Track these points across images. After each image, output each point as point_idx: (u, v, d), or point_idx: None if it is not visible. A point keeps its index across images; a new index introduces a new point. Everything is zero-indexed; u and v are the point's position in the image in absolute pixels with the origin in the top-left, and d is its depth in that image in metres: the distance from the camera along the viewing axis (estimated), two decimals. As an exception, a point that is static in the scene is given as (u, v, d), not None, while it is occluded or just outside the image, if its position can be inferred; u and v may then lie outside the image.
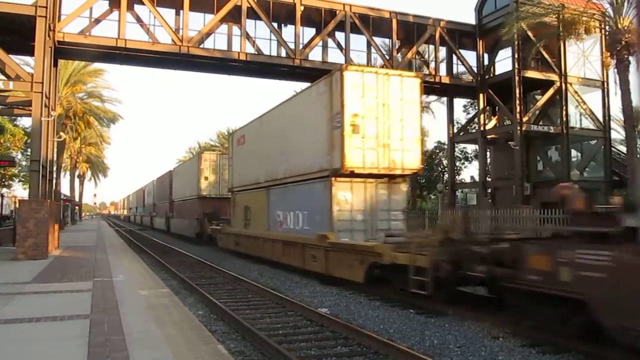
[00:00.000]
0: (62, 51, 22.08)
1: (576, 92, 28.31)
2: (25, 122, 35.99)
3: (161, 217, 49.19)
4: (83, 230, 44.18)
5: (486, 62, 29.72)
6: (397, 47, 27.39)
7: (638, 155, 23.95)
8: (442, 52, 28.63)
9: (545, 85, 27.95)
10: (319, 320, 9.73)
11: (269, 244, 19.10)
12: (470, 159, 42.98)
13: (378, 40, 27.56)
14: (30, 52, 19.52)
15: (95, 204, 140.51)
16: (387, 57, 27.46)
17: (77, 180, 73.48)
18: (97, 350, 5.83)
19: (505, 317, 8.99)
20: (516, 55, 26.70)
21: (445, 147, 37.82)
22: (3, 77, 19.80)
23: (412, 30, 26.28)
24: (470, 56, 29.30)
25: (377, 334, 8.45)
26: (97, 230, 43.91)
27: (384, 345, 7.76)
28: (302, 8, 24.08)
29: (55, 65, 22.53)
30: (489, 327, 8.90)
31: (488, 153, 33.00)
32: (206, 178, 32.98)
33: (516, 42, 26.35)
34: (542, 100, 28.26)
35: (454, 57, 29.00)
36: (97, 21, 22.46)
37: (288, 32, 25.38)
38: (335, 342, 8.34)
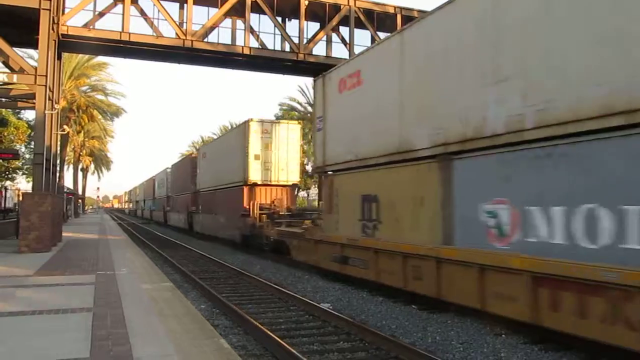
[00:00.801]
0: (66, 44, 22.03)
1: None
2: (29, 115, 36.05)
3: (179, 213, 41.78)
4: (86, 223, 44.27)
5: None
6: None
7: None
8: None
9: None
10: (322, 315, 9.74)
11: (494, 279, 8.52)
12: None
13: (382, 35, 27.46)
14: (34, 45, 19.48)
15: (98, 197, 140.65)
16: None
17: (80, 174, 73.56)
18: (99, 343, 5.84)
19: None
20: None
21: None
22: (7, 70, 19.78)
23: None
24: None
25: (379, 330, 8.45)
26: (100, 223, 44.00)
27: (387, 341, 7.75)
28: (306, 2, 23.97)
29: (59, 58, 22.50)
30: (492, 324, 8.88)
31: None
32: (257, 157, 24.80)
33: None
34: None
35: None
36: (101, 14, 22.39)
37: (292, 26, 25.30)
38: (337, 337, 8.34)
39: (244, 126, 25.18)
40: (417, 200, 10.47)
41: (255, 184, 24.44)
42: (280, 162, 24.92)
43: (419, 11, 25.41)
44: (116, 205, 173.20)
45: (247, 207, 23.42)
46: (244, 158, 24.65)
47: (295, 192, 30.07)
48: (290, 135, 25.33)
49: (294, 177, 25.60)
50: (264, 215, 22.05)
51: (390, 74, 11.66)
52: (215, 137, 74.63)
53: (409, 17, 24.61)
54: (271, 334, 7.97)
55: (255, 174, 24.43)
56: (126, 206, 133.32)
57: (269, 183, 24.72)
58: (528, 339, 8.07)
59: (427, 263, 9.85)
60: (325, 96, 15.01)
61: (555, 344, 7.74)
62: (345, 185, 13.75)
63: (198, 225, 34.28)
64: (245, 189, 24.50)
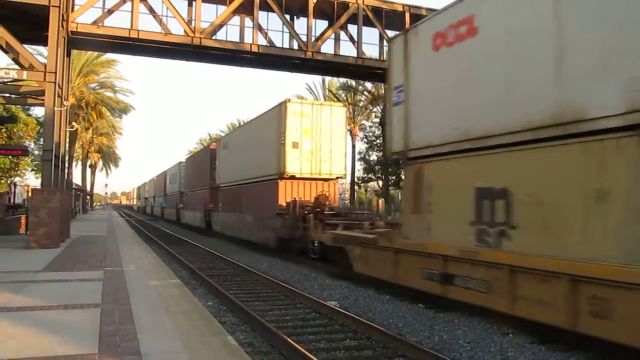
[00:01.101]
0: (75, 41, 22.13)
1: None
2: (38, 111, 36.31)
3: (194, 210, 38.62)
4: (94, 220, 44.50)
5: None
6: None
7: None
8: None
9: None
10: (328, 313, 9.74)
11: None
12: None
13: (390, 33, 27.39)
14: (43, 42, 19.59)
15: (106, 194, 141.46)
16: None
17: (88, 170, 73.97)
18: (108, 339, 5.87)
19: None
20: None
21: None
22: (17, 67, 19.91)
23: (425, 24, 26.10)
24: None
25: (386, 328, 8.45)
26: (108, 220, 44.21)
27: (393, 339, 7.76)
28: (314, 0, 23.95)
29: (69, 55, 22.61)
30: (499, 323, 8.86)
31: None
32: (295, 145, 21.07)
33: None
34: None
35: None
36: (110, 12, 22.47)
37: (300, 24, 25.28)
38: (344, 335, 8.35)
39: (280, 108, 21.43)
40: (592, 195, 7.09)
41: (293, 177, 21.15)
42: (322, 151, 21.40)
43: (428, 9, 25.34)
44: (124, 202, 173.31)
45: (285, 204, 20.21)
46: (280, 146, 21.10)
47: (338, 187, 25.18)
48: (334, 119, 21.66)
49: (339, 169, 22.02)
50: (308, 215, 18.11)
51: (538, 4, 8.19)
52: (223, 134, 73.66)
53: (418, 15, 24.55)
54: (278, 331, 7.99)
55: (293, 166, 20.94)
56: (135, 203, 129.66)
57: (310, 176, 21.37)
58: (535, 338, 8.04)
59: (624, 295, 6.45)
60: (408, 59, 11.38)
61: (563, 343, 7.71)
62: (444, 175, 10.12)
63: (217, 224, 30.76)
64: (281, 183, 21.10)
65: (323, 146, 21.37)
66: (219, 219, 30.68)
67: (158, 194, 63.15)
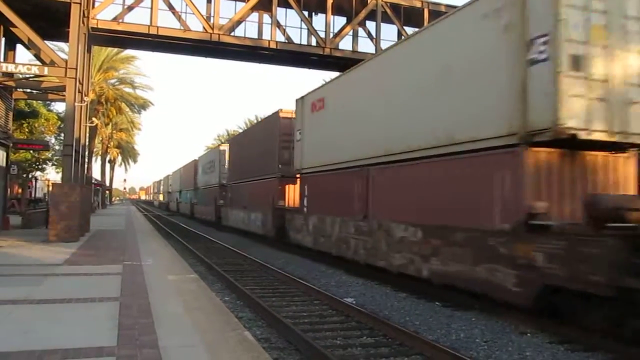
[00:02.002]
0: (96, 38, 22.37)
1: None
2: (59, 107, 36.72)
3: (249, 210, 26.36)
4: (113, 214, 44.95)
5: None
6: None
7: None
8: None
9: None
10: (345, 310, 9.74)
11: None
12: None
13: (409, 29, 27.25)
14: (64, 38, 19.83)
15: (125, 189, 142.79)
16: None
17: (107, 165, 74.79)
18: (126, 332, 5.93)
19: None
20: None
21: None
22: (38, 63, 20.17)
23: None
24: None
25: (402, 326, 8.42)
26: (126, 215, 44.63)
27: (410, 337, 7.72)
28: (333, -4, 23.94)
29: (89, 51, 22.86)
30: (516, 323, 8.78)
31: None
32: None
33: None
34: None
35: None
36: (130, 8, 22.66)
37: (318, 20, 25.28)
38: (360, 332, 8.34)
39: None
40: None
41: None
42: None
43: (447, 6, 25.16)
44: (143, 197, 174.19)
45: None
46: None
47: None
48: None
49: None
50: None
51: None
52: (240, 130, 70.46)
53: (437, 12, 24.40)
54: (294, 327, 8.00)
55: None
56: (155, 198, 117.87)
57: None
58: (554, 338, 7.96)
59: None
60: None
61: (582, 344, 7.63)
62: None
63: (306, 236, 18.51)
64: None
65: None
66: (310, 229, 18.20)
67: (186, 187, 54.03)
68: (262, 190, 24.42)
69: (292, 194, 22.04)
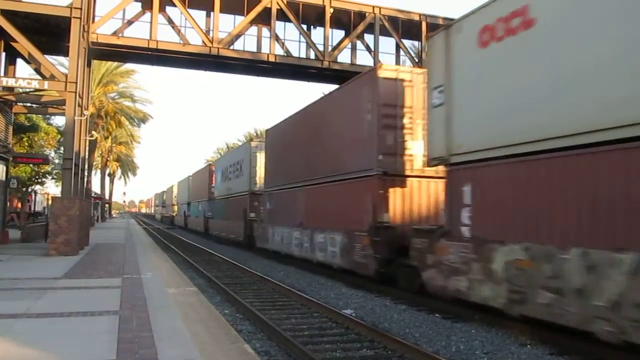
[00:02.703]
0: (96, 52, 22.50)
1: None
2: (59, 120, 36.85)
3: (315, 232, 17.51)
4: (113, 228, 44.90)
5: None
6: (426, 49, 27.22)
7: None
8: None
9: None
10: (344, 322, 9.72)
11: None
12: None
13: (407, 42, 27.45)
14: (64, 52, 19.95)
15: (124, 202, 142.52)
16: (416, 60, 27.39)
17: (107, 179, 74.82)
18: (126, 346, 5.92)
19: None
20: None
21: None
22: (38, 77, 20.29)
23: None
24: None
25: (402, 338, 8.41)
26: (126, 228, 44.58)
27: (410, 349, 7.71)
28: (331, 10, 24.10)
29: (89, 65, 22.97)
30: (517, 334, 8.77)
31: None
32: None
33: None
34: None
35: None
36: (130, 22, 22.83)
37: (317, 34, 25.46)
38: (360, 344, 8.32)
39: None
40: None
41: None
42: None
43: (444, 18, 25.35)
44: (143, 210, 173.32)
45: None
46: None
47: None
48: None
49: None
50: None
51: None
52: (240, 143, 66.78)
53: (434, 24, 24.58)
54: (294, 340, 7.99)
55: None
56: (156, 211, 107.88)
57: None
58: (555, 349, 7.94)
59: None
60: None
61: (582, 354, 7.61)
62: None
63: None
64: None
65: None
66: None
67: (197, 198, 45.43)
68: (342, 197, 16.02)
69: (402, 202, 14.11)
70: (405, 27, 25.44)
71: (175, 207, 68.39)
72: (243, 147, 31.78)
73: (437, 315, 10.56)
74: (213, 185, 39.68)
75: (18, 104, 22.54)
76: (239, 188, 30.24)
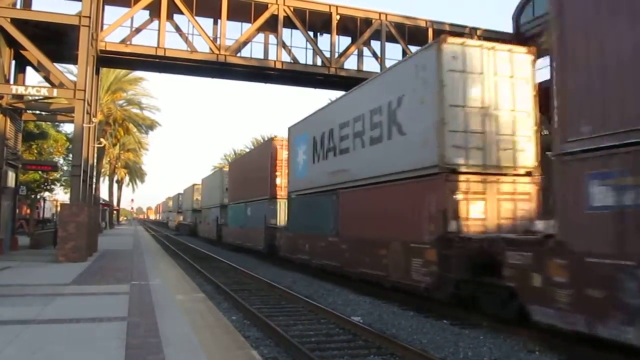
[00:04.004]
0: (104, 59, 22.66)
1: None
2: (68, 128, 37.09)
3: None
4: (121, 234, 45.04)
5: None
6: None
7: None
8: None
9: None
10: (352, 328, 9.71)
11: None
12: None
13: (414, 49, 27.46)
14: (73, 60, 20.10)
15: (132, 208, 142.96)
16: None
17: (115, 186, 75.13)
18: (134, 352, 5.94)
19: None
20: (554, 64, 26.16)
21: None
22: (48, 85, 20.46)
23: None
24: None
25: (410, 344, 8.39)
26: (134, 235, 44.72)
27: (418, 355, 7.69)
28: (338, 17, 24.18)
29: (97, 73, 23.14)
30: (525, 341, 8.73)
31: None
32: None
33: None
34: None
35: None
36: (138, 30, 22.99)
37: (324, 41, 25.55)
38: (367, 351, 8.31)
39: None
40: None
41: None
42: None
43: (451, 24, 25.40)
44: (152, 217, 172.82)
45: None
46: None
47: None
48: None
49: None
50: None
51: None
52: (247, 150, 64.75)
53: (440, 30, 24.61)
54: (301, 346, 7.99)
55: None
56: (169, 218, 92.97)
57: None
58: (563, 356, 7.90)
59: None
60: None
61: (592, 362, 7.52)
62: None
63: None
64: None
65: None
66: None
67: (240, 197, 32.43)
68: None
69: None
70: (411, 34, 25.46)
71: (193, 214, 56.11)
72: (304, 124, 21.45)
73: (445, 321, 10.53)
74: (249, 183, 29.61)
75: (27, 111, 22.74)
76: (302, 184, 20.73)
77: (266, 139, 60.80)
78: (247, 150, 64.88)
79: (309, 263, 19.04)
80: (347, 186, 16.10)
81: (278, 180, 25.67)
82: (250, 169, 29.97)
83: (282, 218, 24.58)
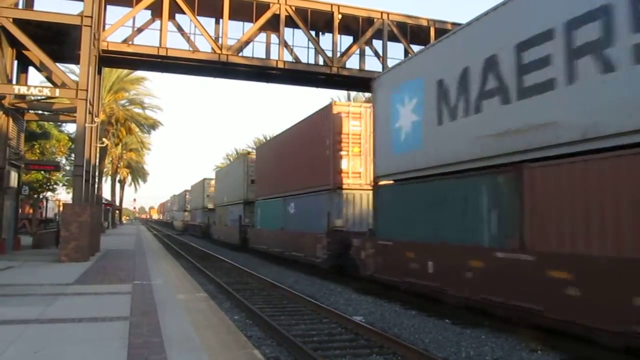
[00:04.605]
0: (106, 59, 22.66)
1: None
2: (70, 128, 37.12)
3: None
4: (123, 234, 45.09)
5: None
6: None
7: None
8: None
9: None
10: (354, 328, 9.71)
11: None
12: None
13: (415, 48, 27.44)
14: (75, 60, 20.10)
15: (134, 208, 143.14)
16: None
17: (117, 185, 75.22)
18: (136, 351, 5.95)
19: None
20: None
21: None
22: (50, 85, 20.48)
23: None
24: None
25: (412, 344, 8.39)
26: (136, 234, 44.76)
27: (420, 355, 7.68)
28: (339, 16, 24.14)
29: (99, 73, 23.14)
30: (527, 340, 8.72)
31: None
32: None
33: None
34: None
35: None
36: (140, 30, 22.98)
37: (326, 40, 25.49)
38: (369, 350, 8.31)
39: None
40: None
41: None
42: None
43: (453, 24, 25.35)
44: (155, 217, 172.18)
45: None
46: None
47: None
48: None
49: None
50: None
51: None
52: (249, 150, 62.34)
53: (443, 29, 24.57)
54: (303, 346, 7.99)
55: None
56: (174, 217, 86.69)
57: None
58: (565, 355, 7.90)
59: None
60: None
61: (595, 361, 7.35)
62: None
63: None
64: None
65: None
66: None
67: (256, 195, 29.45)
68: None
69: None
70: (413, 33, 25.42)
71: (207, 213, 48.96)
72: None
73: (447, 321, 10.53)
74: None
75: (30, 111, 22.77)
76: (406, 164, 13.68)
77: (267, 138, 59.68)
78: (250, 150, 61.29)
79: (442, 298, 11.17)
80: (552, 155, 8.79)
81: (344, 163, 18.44)
82: (293, 152, 23.16)
83: (350, 217, 18.42)
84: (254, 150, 36.46)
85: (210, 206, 47.78)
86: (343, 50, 25.18)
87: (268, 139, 49.00)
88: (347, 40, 25.93)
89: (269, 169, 27.14)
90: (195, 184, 58.59)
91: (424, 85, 12.56)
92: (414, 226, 12.54)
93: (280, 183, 24.52)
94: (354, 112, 18.71)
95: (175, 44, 23.19)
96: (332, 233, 17.51)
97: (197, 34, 23.12)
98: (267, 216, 26.54)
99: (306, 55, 24.84)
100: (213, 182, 48.80)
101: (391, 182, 14.36)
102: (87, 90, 18.12)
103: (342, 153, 18.49)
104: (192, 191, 62.82)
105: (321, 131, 19.69)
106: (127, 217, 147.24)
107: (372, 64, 25.97)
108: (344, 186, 18.36)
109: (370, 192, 16.19)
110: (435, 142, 12.01)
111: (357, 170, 18.33)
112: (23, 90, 18.92)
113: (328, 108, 19.44)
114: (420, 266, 11.76)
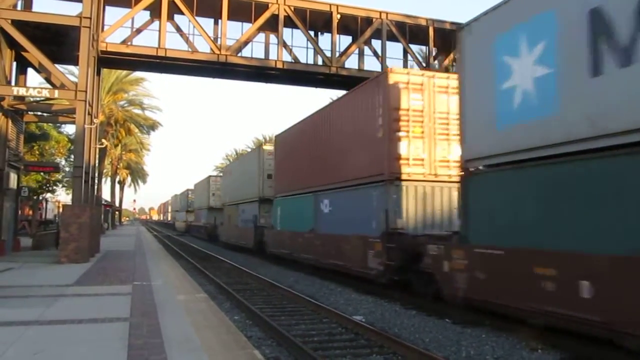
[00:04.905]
0: (105, 60, 22.67)
1: None
2: (69, 129, 37.14)
3: None
4: (123, 235, 45.08)
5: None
6: (434, 54, 27.21)
7: None
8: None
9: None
10: (354, 328, 9.71)
11: None
12: None
13: (415, 47, 27.46)
14: (74, 61, 20.10)
15: (134, 209, 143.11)
16: (424, 65, 27.37)
17: (117, 186, 75.19)
18: (136, 352, 5.95)
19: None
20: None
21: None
22: (49, 86, 20.48)
23: (449, 38, 26.09)
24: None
25: (412, 343, 8.38)
26: (136, 235, 44.74)
27: (420, 354, 7.68)
28: (338, 16, 24.15)
29: (99, 74, 23.14)
30: (527, 339, 8.72)
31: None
32: None
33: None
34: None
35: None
36: (139, 31, 22.98)
37: (324, 40, 25.50)
38: (370, 350, 8.30)
39: None
40: None
41: None
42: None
43: (452, 23, 25.36)
44: (155, 217, 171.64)
45: None
46: None
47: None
48: None
49: None
50: None
51: None
52: (249, 150, 61.70)
53: (441, 29, 24.60)
54: (303, 346, 7.99)
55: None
56: (175, 218, 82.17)
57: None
58: (566, 354, 7.89)
59: None
60: None
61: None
62: None
63: None
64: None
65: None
66: None
67: (275, 192, 25.54)
68: None
69: None
70: (412, 32, 25.43)
71: (217, 214, 43.02)
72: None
73: (447, 320, 10.52)
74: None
75: (29, 112, 22.75)
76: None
77: (267, 138, 58.97)
78: (249, 150, 58.46)
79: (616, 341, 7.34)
80: None
81: (403, 148, 14.35)
82: (329, 138, 18.70)
83: (411, 216, 14.12)
84: (254, 149, 34.57)
85: (216, 205, 43.89)
86: (342, 50, 25.20)
87: (268, 139, 48.06)
88: (346, 40, 25.95)
89: (293, 160, 22.92)
90: (200, 182, 54.29)
91: (559, 21, 8.37)
92: (539, 229, 8.41)
93: (310, 176, 20.18)
94: (415, 83, 14.64)
95: (174, 45, 23.25)
96: (391, 237, 13.45)
97: (196, 35, 23.14)
98: (290, 216, 22.75)
99: (305, 55, 24.86)
100: (219, 179, 46.06)
101: (489, 167, 10.01)
102: (86, 92, 18.11)
103: (401, 134, 14.31)
104: (195, 190, 58.39)
105: (370, 107, 15.43)
106: (127, 218, 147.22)
107: (371, 64, 25.92)
108: (404, 176, 14.13)
109: (437, 185, 13.93)
110: (587, 101, 7.73)
111: (419, 156, 14.37)
112: (22, 91, 18.90)
113: (382, 77, 15.03)
114: (563, 288, 7.70)
